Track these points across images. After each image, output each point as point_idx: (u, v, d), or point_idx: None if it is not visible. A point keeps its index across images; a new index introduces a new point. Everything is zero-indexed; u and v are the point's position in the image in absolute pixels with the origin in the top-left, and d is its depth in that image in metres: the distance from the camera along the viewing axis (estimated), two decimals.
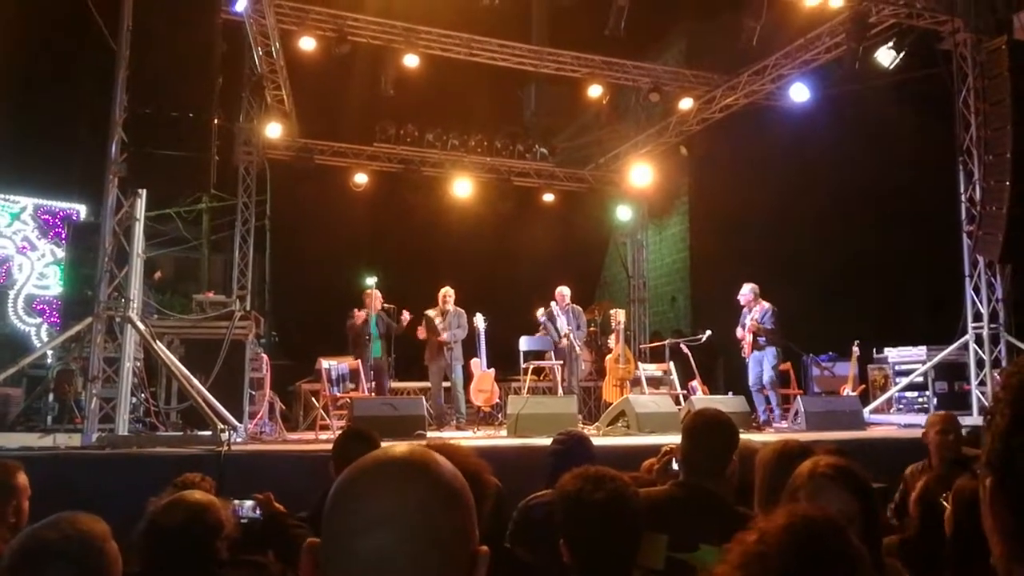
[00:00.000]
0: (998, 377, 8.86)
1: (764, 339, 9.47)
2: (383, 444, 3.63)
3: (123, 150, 6.82)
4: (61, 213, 12.62)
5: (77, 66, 11.07)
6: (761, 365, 9.52)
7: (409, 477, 0.93)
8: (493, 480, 2.15)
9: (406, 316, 9.98)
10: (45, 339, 11.48)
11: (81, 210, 12.60)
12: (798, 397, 9.27)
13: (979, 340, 9.31)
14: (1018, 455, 0.73)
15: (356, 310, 9.96)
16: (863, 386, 10.51)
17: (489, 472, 2.14)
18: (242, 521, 2.80)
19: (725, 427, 2.87)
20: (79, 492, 4.78)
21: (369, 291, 9.94)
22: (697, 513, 2.62)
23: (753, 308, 9.59)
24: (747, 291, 9.72)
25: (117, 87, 6.94)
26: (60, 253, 12.05)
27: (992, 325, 9.25)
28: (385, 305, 10.12)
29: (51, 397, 7.72)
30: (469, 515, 0.96)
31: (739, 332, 9.76)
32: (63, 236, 11.91)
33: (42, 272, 12.41)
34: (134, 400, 6.88)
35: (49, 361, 8.35)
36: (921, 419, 8.43)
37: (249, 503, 2.94)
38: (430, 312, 9.95)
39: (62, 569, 1.84)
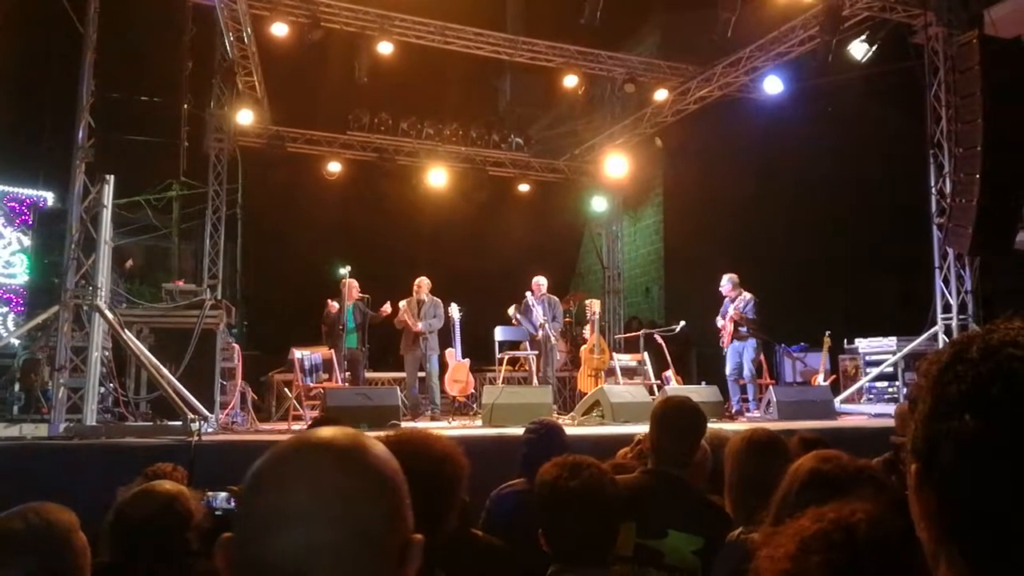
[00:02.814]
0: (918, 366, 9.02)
1: (746, 329, 9.53)
2: None
3: (91, 135, 6.71)
4: (27, 200, 12.36)
5: (44, 49, 10.84)
6: (740, 356, 9.59)
7: (328, 463, 0.88)
8: (466, 461, 2.12)
9: (387, 309, 9.87)
10: (11, 328, 11.27)
11: (48, 197, 12.36)
12: (770, 387, 9.36)
13: (948, 331, 9.44)
14: (939, 441, 0.75)
15: (331, 300, 9.85)
16: (834, 376, 10.63)
17: (462, 454, 2.11)
18: (216, 513, 2.75)
19: (693, 414, 2.89)
20: (46, 482, 4.71)
21: (345, 280, 9.82)
22: (665, 500, 2.63)
23: (736, 298, 9.65)
24: (726, 282, 9.77)
25: (84, 71, 6.81)
26: (26, 241, 11.82)
27: (961, 316, 9.39)
28: (361, 295, 10.04)
29: (17, 387, 7.59)
30: (398, 501, 0.91)
31: (719, 321, 9.82)
32: (30, 224, 11.68)
33: (8, 260, 12.16)
34: (102, 390, 6.79)
35: (15, 350, 8.21)
36: (891, 408, 8.54)
37: (223, 494, 2.90)
38: (402, 304, 9.91)
39: (27, 560, 1.80)
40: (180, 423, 6.30)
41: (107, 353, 6.93)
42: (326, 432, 0.92)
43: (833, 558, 1.05)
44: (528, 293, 10.41)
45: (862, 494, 1.81)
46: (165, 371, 6.81)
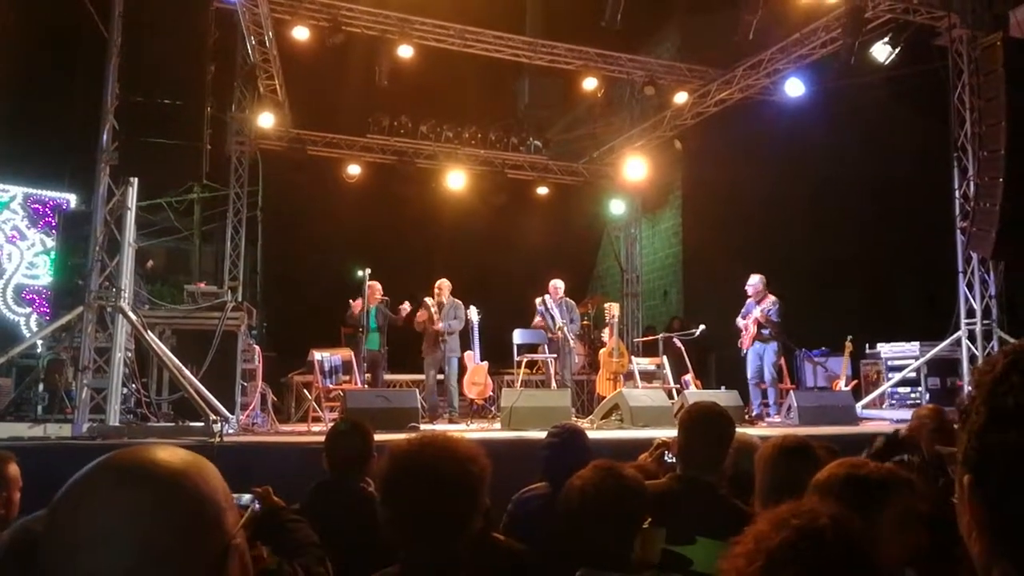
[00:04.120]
0: (969, 375, 8.92)
1: (769, 332, 9.44)
2: (376, 437, 3.62)
3: (115, 138, 6.77)
4: (51, 202, 12.51)
5: (68, 53, 10.96)
6: (761, 359, 9.50)
7: (110, 486, 0.85)
8: (488, 463, 2.11)
9: (406, 307, 9.90)
10: (34, 329, 11.39)
11: (71, 199, 12.50)
12: (791, 392, 9.29)
13: (972, 336, 9.33)
14: (995, 452, 0.74)
15: (353, 300, 9.89)
16: (856, 381, 10.54)
17: (484, 456, 2.10)
18: None
19: (721, 420, 2.88)
20: None
21: (370, 283, 9.87)
22: (695, 506, 2.62)
23: (761, 300, 9.56)
24: (756, 281, 9.64)
25: (109, 75, 6.87)
26: (50, 242, 11.95)
27: (985, 321, 9.28)
28: (383, 297, 10.08)
29: (41, 387, 7.66)
30: (197, 509, 0.87)
31: (740, 322, 9.72)
32: (53, 225, 11.80)
33: (32, 261, 12.30)
34: (125, 390, 6.84)
35: (39, 350, 8.29)
36: (905, 413, 8.45)
37: (247, 496, 2.89)
38: (428, 300, 9.94)
39: None
40: (202, 424, 6.34)
41: (130, 354, 6.99)
42: (113, 455, 0.90)
43: (803, 571, 1.03)
44: (546, 296, 10.39)
45: (901, 496, 1.81)
46: (187, 372, 6.85)
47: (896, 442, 4.10)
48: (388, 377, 10.74)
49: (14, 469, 3.19)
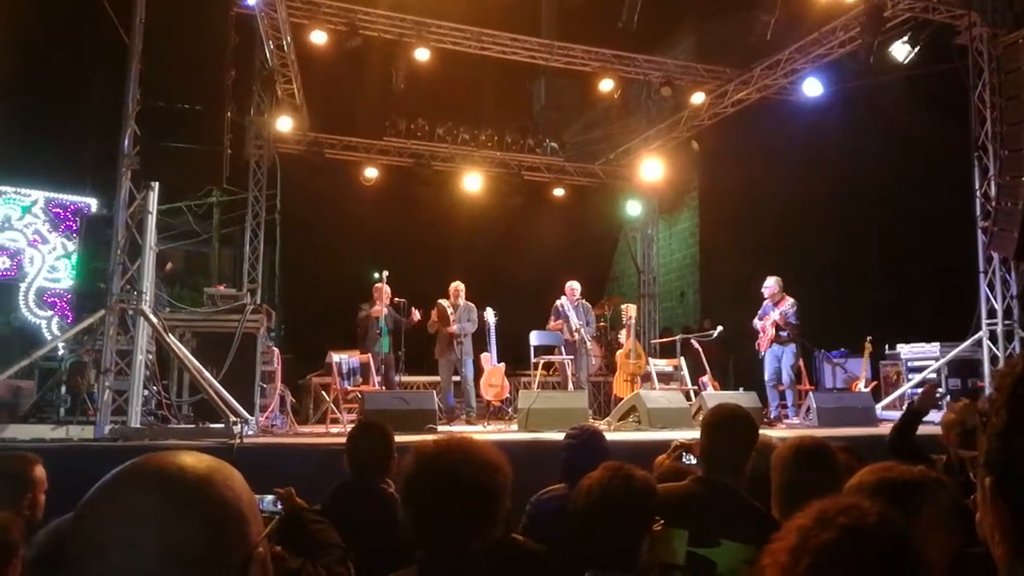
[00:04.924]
0: (990, 378, 8.83)
1: (787, 334, 9.39)
2: (396, 438, 3.64)
3: (136, 143, 6.84)
4: (72, 206, 12.61)
5: (90, 59, 11.08)
6: (780, 361, 9.46)
7: (137, 490, 0.86)
8: (510, 470, 2.12)
9: (416, 315, 9.89)
10: (56, 332, 11.49)
11: (92, 203, 12.62)
12: (810, 393, 9.24)
13: (993, 337, 9.25)
14: (1018, 455, 0.74)
15: (367, 304, 9.90)
16: (875, 382, 10.46)
17: (507, 462, 2.11)
18: (262, 515, 2.77)
19: (745, 422, 2.87)
20: (91, 484, 4.78)
21: (379, 285, 9.87)
22: (718, 508, 2.61)
23: (778, 302, 9.52)
24: (772, 284, 9.61)
25: (130, 80, 6.95)
26: (71, 246, 12.07)
27: (1006, 322, 9.20)
28: (395, 300, 10.05)
29: (63, 389, 7.75)
30: (222, 519, 0.87)
31: (756, 324, 9.68)
32: (74, 229, 11.93)
33: (53, 265, 12.42)
34: (146, 392, 6.91)
35: (61, 353, 8.38)
36: (934, 415, 8.37)
37: (269, 497, 2.93)
38: (443, 302, 9.95)
39: None
40: (222, 426, 6.38)
41: (151, 356, 7.05)
42: (140, 460, 0.90)
43: (852, 571, 1.01)
44: (563, 298, 10.39)
45: (936, 497, 1.80)
46: (207, 374, 6.90)
47: (916, 411, 4.11)
48: (405, 379, 10.74)
49: (40, 471, 3.22)
